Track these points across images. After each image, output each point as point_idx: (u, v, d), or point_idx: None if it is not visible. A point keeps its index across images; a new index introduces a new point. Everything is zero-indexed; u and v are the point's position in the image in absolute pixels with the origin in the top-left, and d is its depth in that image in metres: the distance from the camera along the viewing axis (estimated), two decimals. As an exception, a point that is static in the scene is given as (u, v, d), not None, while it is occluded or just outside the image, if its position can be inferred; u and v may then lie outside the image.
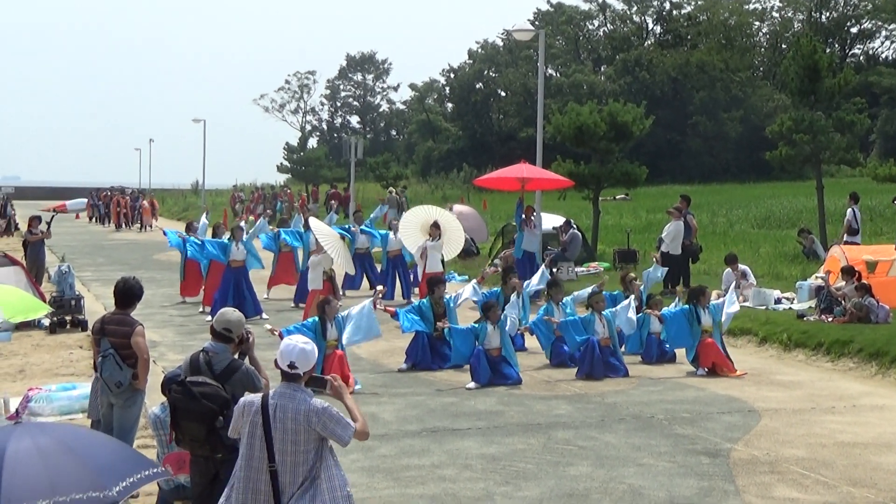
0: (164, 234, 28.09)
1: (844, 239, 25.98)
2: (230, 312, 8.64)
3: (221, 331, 8.42)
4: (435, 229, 24.49)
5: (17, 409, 13.87)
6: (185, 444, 8.19)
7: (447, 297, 18.53)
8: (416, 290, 25.06)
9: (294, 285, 26.33)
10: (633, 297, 18.74)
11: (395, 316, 17.57)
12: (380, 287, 17.99)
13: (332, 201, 55.25)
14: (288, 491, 7.13)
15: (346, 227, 28.37)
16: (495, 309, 17.03)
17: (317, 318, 16.18)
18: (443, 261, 25.30)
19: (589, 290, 19.18)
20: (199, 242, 25.27)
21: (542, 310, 18.63)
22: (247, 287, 23.55)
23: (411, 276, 26.39)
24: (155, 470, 6.98)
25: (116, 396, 10.80)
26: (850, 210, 27.00)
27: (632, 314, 17.82)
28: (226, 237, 24.99)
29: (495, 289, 20.79)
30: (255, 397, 7.34)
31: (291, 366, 7.23)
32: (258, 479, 7.15)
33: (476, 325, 16.98)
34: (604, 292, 18.96)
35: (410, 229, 25.23)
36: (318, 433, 7.18)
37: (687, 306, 17.86)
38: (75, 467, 6.39)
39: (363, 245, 27.50)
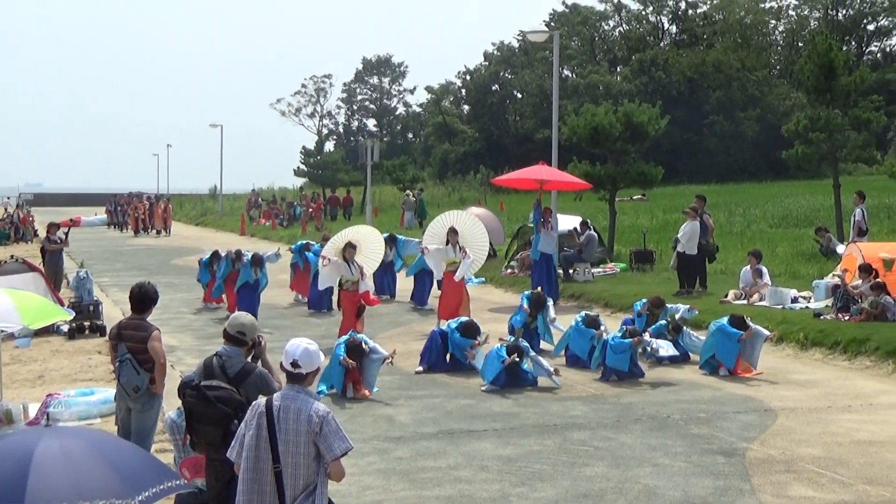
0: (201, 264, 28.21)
1: (854, 240, 25.90)
2: (243, 316, 8.70)
3: (235, 334, 8.48)
4: (453, 235, 22.89)
5: (36, 415, 13.97)
6: (200, 447, 8.24)
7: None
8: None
9: (305, 295, 26.66)
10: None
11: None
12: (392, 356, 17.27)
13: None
14: (289, 493, 7.19)
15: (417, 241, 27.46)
16: (520, 353, 16.70)
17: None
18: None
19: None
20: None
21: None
22: (256, 300, 23.72)
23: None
24: (178, 482, 7.02)
25: (134, 401, 10.90)
26: (858, 210, 26.89)
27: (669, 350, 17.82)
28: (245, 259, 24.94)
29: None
30: (262, 399, 7.40)
31: (294, 364, 7.28)
32: (263, 481, 7.21)
33: (499, 348, 16.72)
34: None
35: (433, 251, 24.06)
36: (314, 438, 7.18)
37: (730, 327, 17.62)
38: (101, 473, 6.44)
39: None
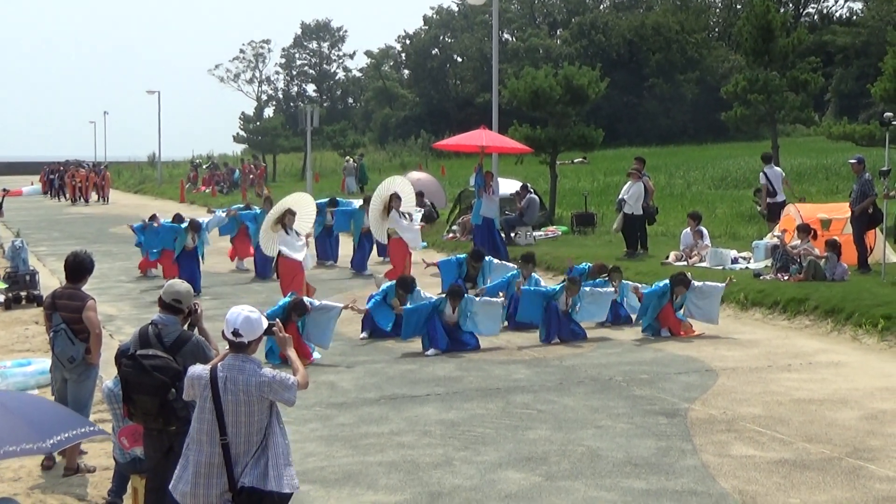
0: (133, 229, 27.76)
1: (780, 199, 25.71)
2: (178, 283, 8.52)
3: (171, 302, 8.31)
4: (397, 200, 23.16)
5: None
6: (137, 417, 8.09)
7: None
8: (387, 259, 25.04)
9: (249, 257, 26.48)
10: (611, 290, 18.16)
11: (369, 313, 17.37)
12: (355, 303, 17.28)
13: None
14: (242, 461, 7.07)
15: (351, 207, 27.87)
16: (458, 298, 16.72)
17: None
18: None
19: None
20: (155, 230, 25.12)
21: (510, 275, 18.64)
22: (197, 266, 23.53)
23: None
24: (92, 428, 7.10)
25: (70, 371, 10.73)
26: (778, 168, 26.68)
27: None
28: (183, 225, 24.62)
29: (461, 255, 20.65)
30: (204, 370, 7.24)
31: (236, 333, 7.15)
32: (211, 453, 7.08)
33: (436, 300, 16.73)
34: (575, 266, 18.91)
35: (375, 216, 24.19)
36: (269, 401, 7.16)
37: (666, 284, 17.60)
38: (8, 422, 6.61)
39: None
